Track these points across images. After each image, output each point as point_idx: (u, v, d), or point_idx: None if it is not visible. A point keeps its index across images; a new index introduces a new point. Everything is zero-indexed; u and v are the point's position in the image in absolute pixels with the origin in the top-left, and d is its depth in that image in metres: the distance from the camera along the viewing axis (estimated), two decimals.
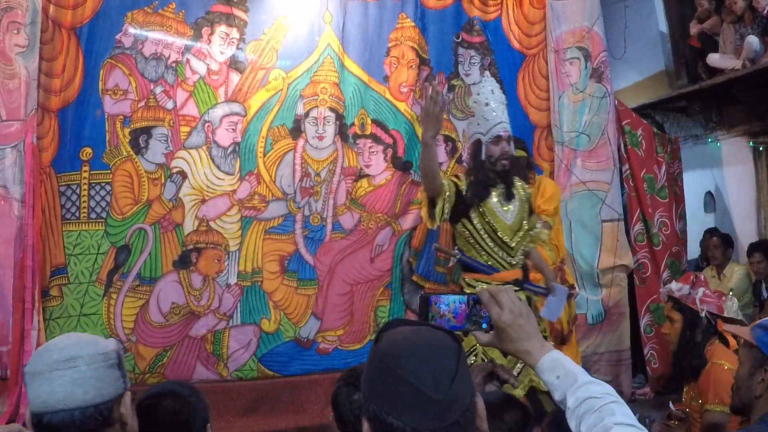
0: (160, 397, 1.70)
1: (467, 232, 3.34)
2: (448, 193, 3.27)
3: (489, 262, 3.32)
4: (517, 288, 3.21)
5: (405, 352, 0.96)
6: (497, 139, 3.26)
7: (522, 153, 3.92)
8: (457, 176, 3.47)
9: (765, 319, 1.77)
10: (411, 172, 4.46)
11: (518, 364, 3.05)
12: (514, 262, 3.35)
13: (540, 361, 1.15)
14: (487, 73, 3.58)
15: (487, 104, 3.30)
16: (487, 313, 1.19)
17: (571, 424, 1.10)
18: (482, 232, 3.30)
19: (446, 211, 3.29)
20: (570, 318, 3.98)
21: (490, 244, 3.31)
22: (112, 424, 1.31)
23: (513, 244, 3.33)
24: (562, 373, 1.13)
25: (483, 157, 3.30)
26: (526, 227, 3.38)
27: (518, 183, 3.45)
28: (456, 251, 3.40)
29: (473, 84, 4.58)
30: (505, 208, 3.32)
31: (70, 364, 1.28)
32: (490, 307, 1.18)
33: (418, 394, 0.92)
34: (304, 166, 4.28)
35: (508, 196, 3.32)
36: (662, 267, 4.83)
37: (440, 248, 3.76)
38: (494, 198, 3.31)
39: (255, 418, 4.15)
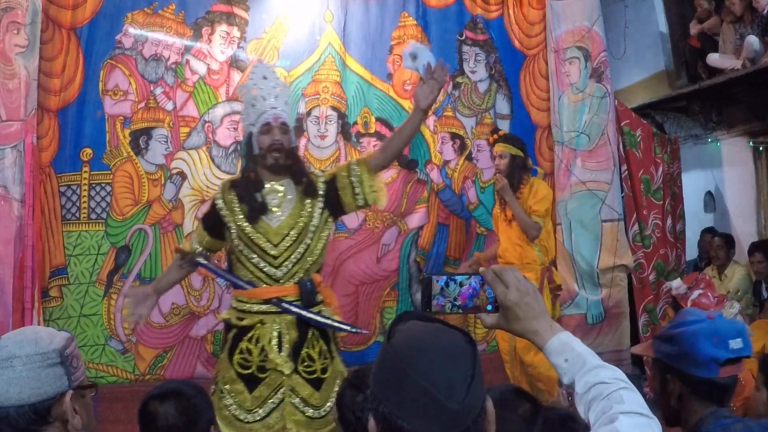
0: (165, 397, 1.71)
1: (229, 243, 2.81)
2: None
3: (248, 277, 2.74)
4: (277, 310, 2.70)
5: (420, 354, 0.92)
6: (266, 126, 2.70)
7: (518, 152, 3.88)
8: (216, 194, 2.87)
9: (661, 329, 1.74)
10: (416, 170, 4.45)
11: (269, 403, 2.68)
12: (280, 275, 2.71)
13: (548, 343, 1.11)
14: (261, 60, 2.91)
15: (254, 90, 2.75)
16: (492, 295, 1.15)
17: (580, 409, 1.07)
18: (237, 241, 2.73)
19: (204, 242, 2.85)
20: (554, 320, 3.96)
21: (249, 254, 2.72)
22: (51, 422, 1.33)
23: (277, 252, 2.69)
24: (571, 356, 1.09)
25: (256, 151, 2.75)
26: (299, 231, 2.72)
27: (311, 184, 2.80)
28: (195, 253, 2.85)
29: (479, 81, 4.60)
30: (274, 210, 2.72)
31: (7, 364, 1.31)
32: (495, 286, 1.13)
33: (432, 401, 0.89)
34: (306, 165, 4.27)
35: (296, 194, 2.76)
36: (650, 269, 4.83)
37: (180, 250, 2.97)
38: (272, 200, 2.75)
39: None
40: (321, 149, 4.29)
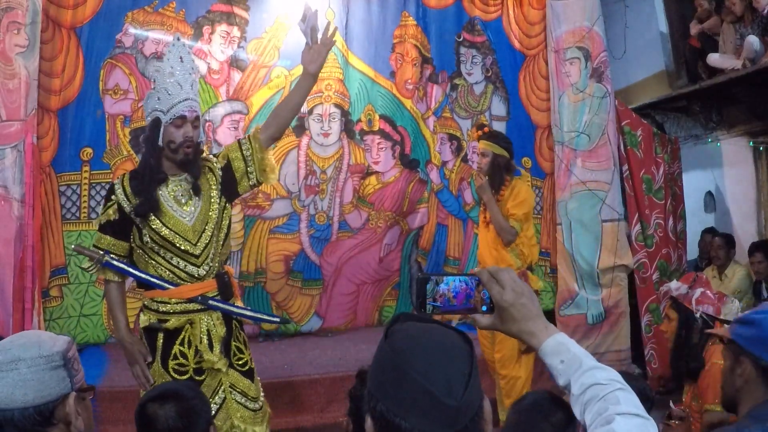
0: (164, 399, 1.71)
1: (135, 245, 2.62)
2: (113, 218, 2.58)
3: (168, 276, 2.59)
4: (202, 307, 2.60)
5: (418, 352, 0.93)
6: (181, 119, 2.52)
7: (502, 151, 3.74)
8: (113, 190, 2.62)
9: (743, 314, 1.81)
10: (418, 170, 4.45)
11: (211, 406, 2.51)
12: (203, 273, 2.61)
13: (544, 344, 1.10)
14: (180, 38, 2.68)
15: (171, 74, 2.54)
16: (487, 295, 1.14)
17: (576, 411, 1.07)
18: (150, 243, 2.57)
19: (105, 245, 2.59)
20: None
21: (165, 255, 2.58)
22: (54, 424, 1.35)
23: (198, 251, 2.59)
24: (567, 358, 1.08)
25: (162, 142, 2.55)
26: (214, 227, 2.63)
27: (210, 172, 2.67)
28: (102, 253, 2.58)
29: (476, 83, 4.60)
30: (185, 207, 2.60)
31: (12, 367, 1.33)
32: (491, 286, 1.13)
33: (430, 398, 0.89)
34: (309, 163, 4.27)
35: (194, 192, 2.61)
36: (653, 268, 4.84)
37: (81, 250, 2.70)
38: (170, 195, 2.59)
39: None
40: (324, 147, 4.29)
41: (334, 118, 4.28)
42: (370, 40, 4.40)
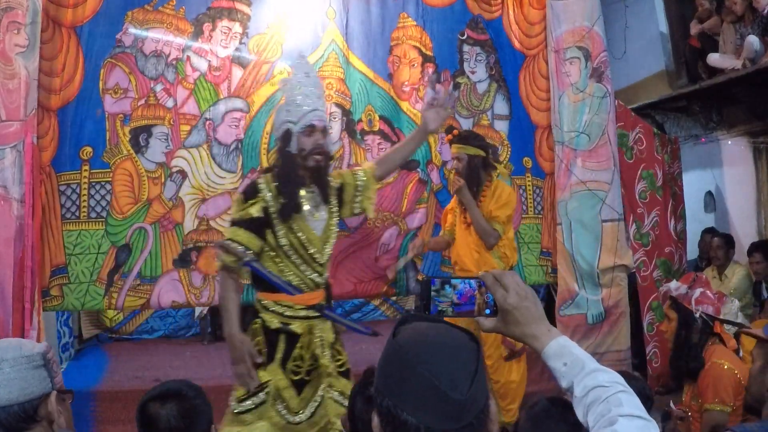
0: (165, 398, 1.71)
1: (268, 246, 2.76)
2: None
3: (295, 282, 2.76)
4: (318, 315, 2.78)
5: (425, 348, 0.94)
6: (310, 129, 2.73)
7: (477, 151, 3.71)
8: (257, 188, 2.80)
9: None
10: (417, 170, 4.45)
11: (311, 404, 2.77)
12: (321, 281, 2.81)
13: (547, 347, 1.12)
14: (303, 55, 2.99)
15: (299, 88, 2.77)
16: (491, 298, 1.15)
17: (579, 413, 1.08)
18: (287, 247, 2.74)
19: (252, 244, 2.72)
20: None
21: (296, 260, 2.75)
22: (38, 421, 1.43)
23: (323, 260, 2.80)
24: (570, 360, 1.10)
25: (294, 150, 2.74)
26: (334, 238, 2.85)
27: (333, 182, 2.87)
28: (248, 253, 2.70)
29: (479, 81, 4.59)
30: (316, 216, 2.79)
31: None
32: (495, 289, 1.14)
33: (436, 393, 0.90)
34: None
35: (323, 200, 2.80)
36: (652, 267, 4.84)
37: (228, 246, 2.76)
38: (305, 204, 2.77)
39: None
40: None
41: (335, 118, 4.27)
42: (369, 42, 4.40)
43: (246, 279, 2.96)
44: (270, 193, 2.73)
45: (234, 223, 2.79)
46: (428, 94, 2.94)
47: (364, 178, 2.91)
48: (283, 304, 2.75)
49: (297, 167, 2.75)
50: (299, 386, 2.80)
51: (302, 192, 2.76)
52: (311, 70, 2.85)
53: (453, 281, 1.17)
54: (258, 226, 2.72)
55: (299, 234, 2.72)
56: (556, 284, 4.63)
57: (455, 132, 3.89)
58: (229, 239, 2.74)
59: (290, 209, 2.69)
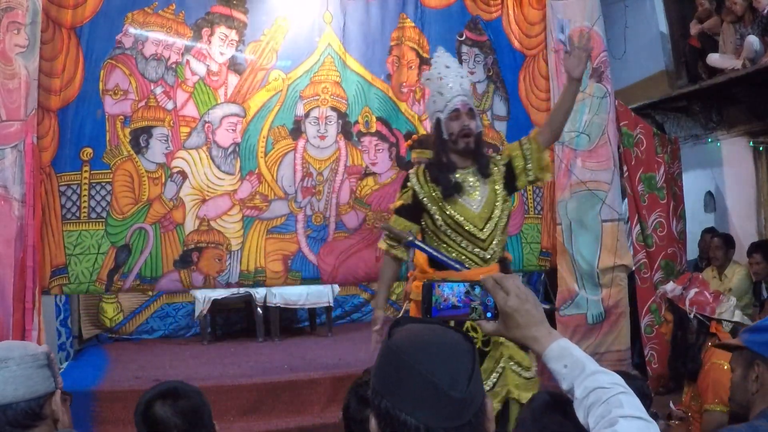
0: (164, 398, 1.71)
1: (428, 229, 3.00)
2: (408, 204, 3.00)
3: (461, 258, 2.92)
4: None
5: (421, 348, 0.95)
6: (455, 113, 2.89)
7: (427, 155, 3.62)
8: (408, 178, 3.06)
9: (755, 322, 1.87)
10: None
11: (493, 375, 2.87)
12: (488, 256, 2.93)
13: (548, 349, 1.12)
14: (441, 48, 3.14)
15: (440, 78, 2.96)
16: (492, 301, 1.16)
17: (579, 414, 1.09)
18: (444, 227, 2.92)
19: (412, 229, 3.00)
20: None
21: (456, 238, 2.92)
22: (43, 419, 1.46)
23: (484, 236, 2.92)
24: (570, 362, 1.10)
25: (446, 135, 2.94)
26: (499, 215, 2.96)
27: (494, 167, 3.01)
28: (409, 233, 2.97)
29: (478, 82, 4.59)
30: (473, 195, 2.94)
31: (2, 365, 1.44)
32: (496, 292, 1.15)
33: (435, 391, 0.91)
34: (305, 166, 4.28)
35: (483, 176, 2.95)
36: (655, 268, 4.84)
37: (390, 228, 3.05)
38: (463, 184, 2.94)
39: (255, 418, 4.17)
40: (320, 149, 4.29)
41: (330, 121, 4.29)
42: (368, 42, 4.40)
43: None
44: (417, 182, 2.97)
45: (395, 211, 3.08)
46: (561, 45, 3.08)
47: (529, 146, 3.01)
48: (450, 280, 2.92)
49: (448, 152, 2.95)
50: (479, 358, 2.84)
51: (457, 174, 2.94)
52: (451, 61, 3.04)
53: (454, 285, 1.18)
54: (412, 212, 2.98)
55: (454, 214, 2.90)
56: (551, 276, 4.63)
57: (414, 137, 3.98)
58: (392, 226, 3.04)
59: (451, 191, 2.89)
